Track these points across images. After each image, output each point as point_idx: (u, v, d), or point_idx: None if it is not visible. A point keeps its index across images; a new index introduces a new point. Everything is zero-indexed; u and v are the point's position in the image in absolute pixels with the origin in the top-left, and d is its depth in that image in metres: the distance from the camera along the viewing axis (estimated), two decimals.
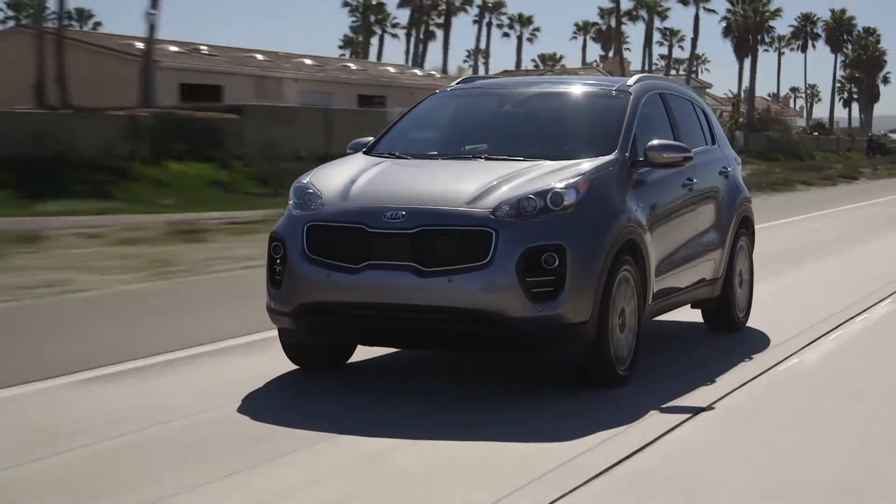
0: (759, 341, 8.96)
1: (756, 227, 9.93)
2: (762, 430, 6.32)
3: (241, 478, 5.34)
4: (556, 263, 6.71)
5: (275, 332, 7.62)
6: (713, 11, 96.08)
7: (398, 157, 7.91)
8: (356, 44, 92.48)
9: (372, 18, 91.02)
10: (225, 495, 5.13)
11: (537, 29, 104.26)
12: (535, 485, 5.27)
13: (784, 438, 6.13)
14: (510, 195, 6.88)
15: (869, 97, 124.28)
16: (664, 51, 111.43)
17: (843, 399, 7.09)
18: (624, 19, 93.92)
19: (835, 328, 9.50)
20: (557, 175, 7.14)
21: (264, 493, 5.13)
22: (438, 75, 61.05)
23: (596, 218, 7.01)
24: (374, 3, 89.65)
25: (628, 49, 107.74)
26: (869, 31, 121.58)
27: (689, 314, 9.45)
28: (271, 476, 5.38)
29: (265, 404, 6.81)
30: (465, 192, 6.95)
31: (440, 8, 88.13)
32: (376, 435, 6.04)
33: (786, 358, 8.25)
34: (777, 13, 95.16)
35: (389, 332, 7.04)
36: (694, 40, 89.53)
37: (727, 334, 9.27)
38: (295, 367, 7.63)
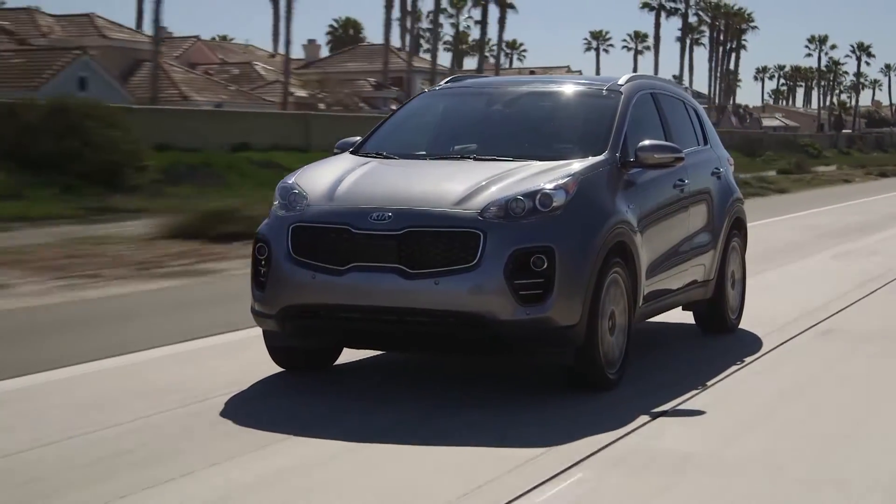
0: (752, 343, 8.87)
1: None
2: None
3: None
4: (545, 266, 6.61)
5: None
6: None
7: (385, 158, 7.80)
8: None
9: None
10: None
11: None
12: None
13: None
14: (498, 196, 6.78)
15: None
16: None
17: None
18: None
19: None
20: (547, 176, 7.04)
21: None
22: None
23: (585, 219, 6.90)
24: None
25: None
26: None
27: (681, 316, 9.36)
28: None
29: (243, 405, 6.74)
30: (453, 193, 6.84)
31: None
32: (341, 438, 5.97)
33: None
34: None
35: (375, 334, 6.93)
36: None
37: (719, 336, 9.18)
38: (280, 369, 7.53)
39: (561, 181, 6.95)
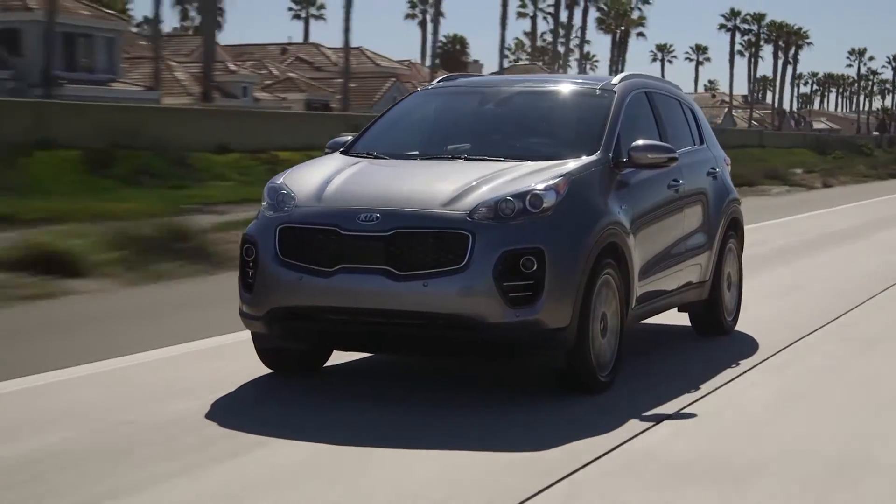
0: (747, 345, 8.78)
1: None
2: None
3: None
4: (535, 268, 6.52)
5: None
6: None
7: (375, 157, 7.71)
8: None
9: None
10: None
11: None
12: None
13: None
14: (488, 197, 6.69)
15: None
16: None
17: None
18: None
19: None
20: (538, 176, 6.95)
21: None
22: None
23: (576, 220, 6.81)
24: None
25: None
26: None
27: (677, 318, 9.27)
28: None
29: (230, 407, 6.67)
30: (442, 194, 6.76)
31: None
32: (330, 441, 5.90)
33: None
34: None
35: (363, 337, 6.85)
36: None
37: (715, 338, 9.08)
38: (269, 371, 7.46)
39: (552, 182, 6.86)
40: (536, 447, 5.82)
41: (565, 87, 8.37)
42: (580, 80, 8.53)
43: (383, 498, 5.09)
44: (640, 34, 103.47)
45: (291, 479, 5.34)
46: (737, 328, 9.39)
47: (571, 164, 7.19)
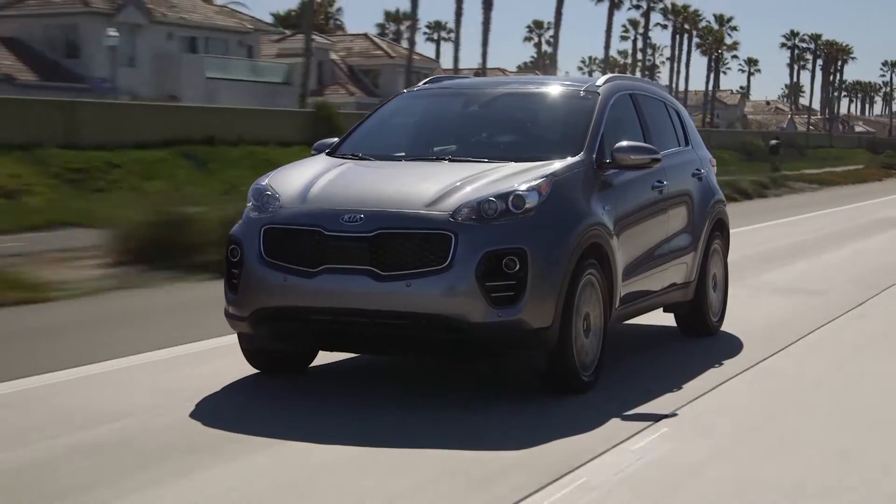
0: (732, 346, 8.83)
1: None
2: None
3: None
4: (517, 268, 6.56)
5: None
6: None
7: (361, 159, 7.76)
8: None
9: None
10: None
11: None
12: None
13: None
14: (471, 198, 6.73)
15: None
16: None
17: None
18: None
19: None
20: (521, 177, 6.99)
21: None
22: None
23: (559, 221, 6.85)
24: None
25: None
26: None
27: (663, 318, 9.31)
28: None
29: (218, 409, 6.68)
30: (426, 195, 6.80)
31: None
32: (321, 442, 5.92)
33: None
34: None
35: (348, 337, 6.88)
36: None
37: (700, 339, 9.13)
38: (255, 371, 7.49)
39: (534, 182, 6.90)
40: (529, 447, 5.84)
41: (550, 88, 8.41)
42: (565, 82, 8.56)
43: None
44: (735, 56, 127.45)
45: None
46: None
47: (555, 166, 7.23)
